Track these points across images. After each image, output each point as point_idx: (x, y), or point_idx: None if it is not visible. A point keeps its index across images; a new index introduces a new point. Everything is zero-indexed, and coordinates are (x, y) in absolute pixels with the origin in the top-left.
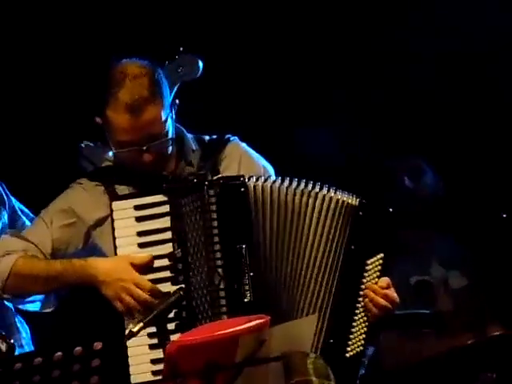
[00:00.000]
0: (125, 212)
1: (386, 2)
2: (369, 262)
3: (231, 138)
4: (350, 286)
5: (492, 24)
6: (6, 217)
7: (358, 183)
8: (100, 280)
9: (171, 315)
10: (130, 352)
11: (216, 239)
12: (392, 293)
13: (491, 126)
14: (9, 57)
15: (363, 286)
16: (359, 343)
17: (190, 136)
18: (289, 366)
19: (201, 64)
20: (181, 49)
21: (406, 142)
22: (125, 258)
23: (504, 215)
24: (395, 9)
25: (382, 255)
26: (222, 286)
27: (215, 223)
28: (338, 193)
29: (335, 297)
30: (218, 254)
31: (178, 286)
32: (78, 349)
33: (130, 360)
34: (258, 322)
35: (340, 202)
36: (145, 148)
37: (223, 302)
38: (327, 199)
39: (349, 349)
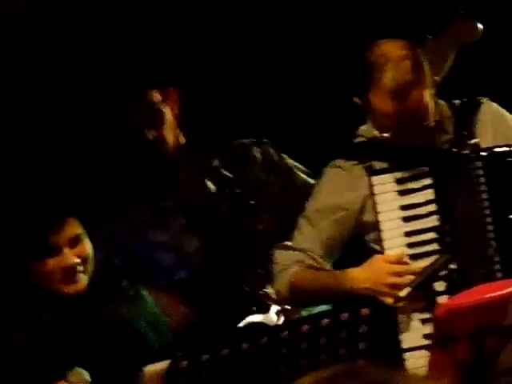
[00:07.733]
0: (386, 186)
1: None
2: None
3: (482, 100)
4: None
5: None
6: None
7: None
8: (361, 288)
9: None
10: (399, 318)
11: (487, 212)
12: None
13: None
14: None
15: None
16: None
17: (441, 103)
18: None
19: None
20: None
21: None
22: (379, 259)
23: None
24: None
25: None
26: (496, 259)
27: (485, 195)
28: None
29: None
30: (491, 227)
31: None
32: (345, 315)
33: (400, 326)
34: None
35: None
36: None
37: (499, 275)
38: None
39: None
